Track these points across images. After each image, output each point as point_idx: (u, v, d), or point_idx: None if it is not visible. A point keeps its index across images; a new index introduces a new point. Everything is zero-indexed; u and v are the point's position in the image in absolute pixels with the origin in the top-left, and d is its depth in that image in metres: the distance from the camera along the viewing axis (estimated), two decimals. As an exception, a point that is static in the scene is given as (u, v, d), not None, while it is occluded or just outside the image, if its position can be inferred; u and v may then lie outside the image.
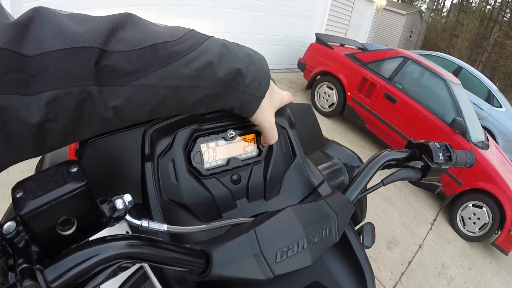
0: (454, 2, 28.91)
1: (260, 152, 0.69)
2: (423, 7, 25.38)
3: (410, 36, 19.78)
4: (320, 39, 5.34)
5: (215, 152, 0.63)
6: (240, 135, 0.66)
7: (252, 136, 0.68)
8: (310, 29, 6.92)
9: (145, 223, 0.43)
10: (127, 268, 0.35)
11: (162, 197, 0.57)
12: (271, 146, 0.69)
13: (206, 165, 0.62)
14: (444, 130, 3.92)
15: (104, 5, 4.42)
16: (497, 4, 22.14)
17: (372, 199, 3.59)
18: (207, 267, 0.42)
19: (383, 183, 0.68)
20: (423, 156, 0.71)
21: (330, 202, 0.55)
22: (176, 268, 0.40)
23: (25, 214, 0.31)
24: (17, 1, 4.09)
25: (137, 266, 0.56)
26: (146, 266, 0.51)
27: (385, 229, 3.26)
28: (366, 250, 0.68)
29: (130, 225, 0.43)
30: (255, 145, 0.68)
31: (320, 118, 5.18)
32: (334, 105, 5.09)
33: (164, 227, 0.44)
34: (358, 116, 4.83)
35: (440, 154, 0.70)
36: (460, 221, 3.78)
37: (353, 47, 5.84)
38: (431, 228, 3.63)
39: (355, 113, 4.84)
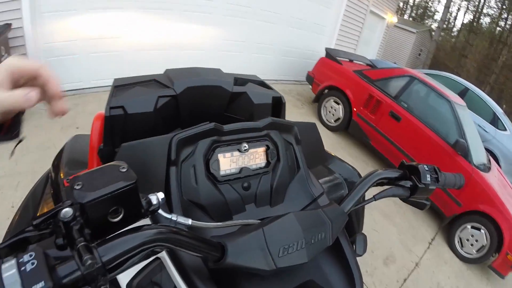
0: (464, 22, 29.05)
1: (268, 163, 0.79)
2: (434, 26, 25.48)
3: (420, 55, 19.87)
4: (330, 54, 5.44)
5: (230, 161, 0.73)
6: (252, 148, 0.76)
7: (262, 149, 0.78)
8: (320, 42, 7.04)
9: (174, 217, 0.53)
10: (157, 253, 0.43)
11: (182, 197, 0.66)
12: (278, 159, 0.79)
13: (222, 172, 0.72)
14: (446, 151, 3.97)
15: (120, 5, 4.56)
16: (507, 26, 22.22)
17: (371, 215, 3.63)
18: (223, 256, 0.49)
19: (374, 198, 0.76)
20: (412, 176, 0.78)
21: (327, 211, 0.63)
22: (198, 254, 0.47)
23: (86, 202, 0.39)
24: (37, 11, 4.18)
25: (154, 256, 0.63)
26: (164, 256, 0.60)
27: (382, 245, 3.30)
28: (361, 261, 0.75)
29: (154, 219, 0.52)
30: (265, 157, 0.79)
31: (326, 132, 5.26)
32: (340, 120, 5.16)
33: (189, 221, 0.54)
34: (362, 132, 4.89)
35: (428, 175, 0.77)
36: (458, 242, 3.80)
37: (361, 63, 5.94)
38: (428, 247, 3.66)
39: (360, 129, 4.91)
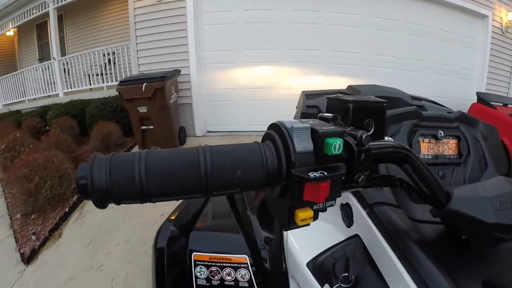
0: None
1: (460, 155, 0.81)
2: None
3: None
4: (482, 98, 5.21)
5: (428, 147, 0.80)
6: (445, 138, 0.81)
7: (455, 141, 0.82)
8: (469, 88, 6.65)
9: None
10: (392, 184, 0.52)
11: None
12: (469, 153, 0.82)
13: (422, 156, 0.77)
14: None
15: (273, 60, 5.41)
16: None
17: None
18: (447, 202, 0.49)
19: None
20: None
21: None
22: (426, 190, 0.49)
23: (353, 102, 0.48)
24: (202, 62, 5.23)
25: (352, 233, 0.69)
26: (365, 221, 0.64)
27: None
28: None
29: None
30: (457, 149, 0.82)
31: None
32: (497, 171, 4.79)
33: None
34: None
35: None
36: None
37: (518, 106, 5.45)
38: None
39: (520, 180, 4.49)
